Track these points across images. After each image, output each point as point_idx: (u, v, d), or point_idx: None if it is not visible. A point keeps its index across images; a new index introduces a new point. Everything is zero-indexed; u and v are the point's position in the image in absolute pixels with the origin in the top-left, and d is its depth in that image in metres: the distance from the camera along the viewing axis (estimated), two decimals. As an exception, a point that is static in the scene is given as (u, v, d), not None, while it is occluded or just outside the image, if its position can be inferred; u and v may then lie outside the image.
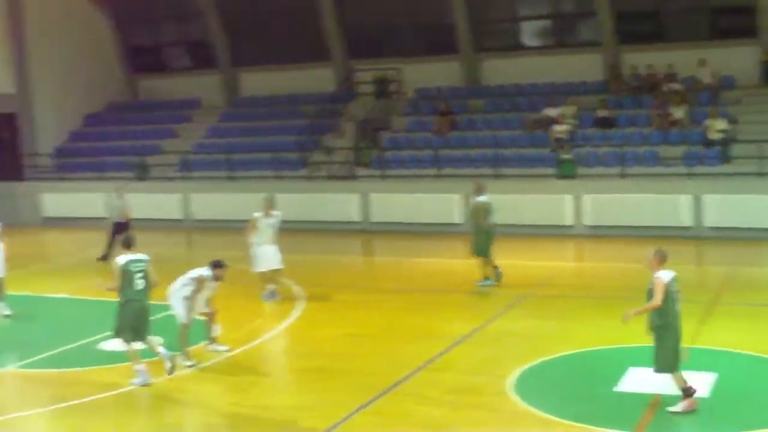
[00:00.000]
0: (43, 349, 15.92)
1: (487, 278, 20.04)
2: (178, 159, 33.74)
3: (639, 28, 32.72)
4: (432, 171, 29.45)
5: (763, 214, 24.89)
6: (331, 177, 31.36)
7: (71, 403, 13.10)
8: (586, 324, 16.45)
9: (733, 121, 27.76)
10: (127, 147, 35.60)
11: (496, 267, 20.11)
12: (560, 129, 29.08)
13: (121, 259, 13.98)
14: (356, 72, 35.59)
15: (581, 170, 27.74)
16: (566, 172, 27.67)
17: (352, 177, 31.07)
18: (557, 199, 26.98)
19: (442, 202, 27.98)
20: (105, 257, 23.64)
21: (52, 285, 21.81)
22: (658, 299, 11.67)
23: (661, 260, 11.99)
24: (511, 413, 12.14)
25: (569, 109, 30.04)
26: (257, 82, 37.38)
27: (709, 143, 27.21)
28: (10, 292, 19.56)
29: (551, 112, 29.93)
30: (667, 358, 11.82)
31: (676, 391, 11.87)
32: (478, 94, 33.30)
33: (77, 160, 35.77)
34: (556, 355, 14.55)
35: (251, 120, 35.65)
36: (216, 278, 14.87)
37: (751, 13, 30.04)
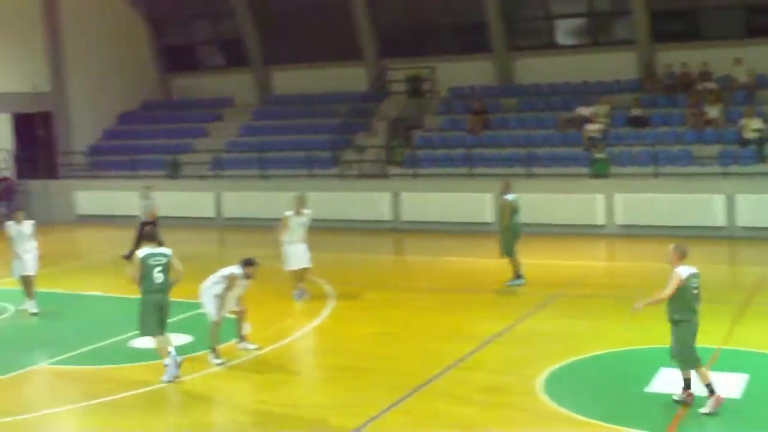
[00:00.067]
0: (75, 346, 16.02)
1: (518, 277, 19.96)
2: (210, 157, 33.84)
3: (674, 27, 32.49)
4: (464, 170, 29.36)
5: (798, 214, 24.66)
6: (362, 176, 31.35)
7: (102, 400, 13.18)
8: (617, 324, 16.33)
9: (768, 120, 27.54)
10: (160, 145, 35.80)
11: (517, 267, 20.14)
12: (593, 128, 28.92)
13: (141, 252, 14.15)
14: (389, 71, 35.56)
15: (614, 169, 27.56)
16: (599, 171, 27.51)
17: (384, 176, 31.05)
18: (589, 198, 26.82)
19: (474, 202, 27.89)
20: (129, 256, 23.72)
21: (85, 282, 21.96)
22: (668, 291, 11.69)
23: (681, 256, 11.96)
24: (540, 413, 12.08)
25: (602, 108, 29.87)
26: (290, 80, 37.46)
27: (744, 142, 26.98)
28: (44, 289, 19.77)
29: (584, 111, 29.78)
30: (687, 355, 11.80)
31: (703, 390, 11.77)
32: (511, 92, 33.19)
33: (111, 158, 36.00)
34: (587, 355, 14.47)
35: (283, 118, 35.72)
36: (247, 276, 14.88)
37: (788, 12, 29.80)
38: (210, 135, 36.36)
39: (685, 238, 24.39)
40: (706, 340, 14.85)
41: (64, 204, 34.39)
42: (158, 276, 13.92)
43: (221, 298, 14.74)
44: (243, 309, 15.37)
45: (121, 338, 16.22)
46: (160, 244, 14.92)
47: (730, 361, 13.57)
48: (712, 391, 11.66)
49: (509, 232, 19.95)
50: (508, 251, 19.97)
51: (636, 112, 29.33)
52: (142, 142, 36.63)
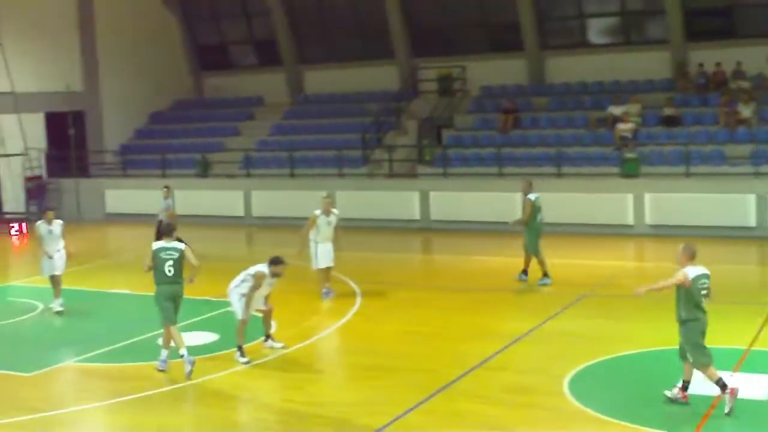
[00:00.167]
0: (102, 344, 16.09)
1: (546, 276, 19.91)
2: (240, 156, 33.93)
3: (708, 25, 32.22)
4: (494, 169, 29.25)
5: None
6: (392, 175, 31.33)
7: (129, 397, 13.23)
8: (646, 324, 16.19)
9: (802, 119, 27.28)
10: (191, 144, 35.95)
11: (528, 266, 20.21)
12: (625, 127, 28.74)
13: (155, 245, 14.51)
14: (420, 70, 35.51)
15: (645, 169, 27.37)
16: (629, 170, 27.33)
17: (413, 175, 31.01)
18: (619, 198, 26.68)
19: (504, 201, 27.75)
20: None
21: (113, 280, 22.05)
22: (670, 281, 11.84)
23: (690, 256, 11.96)
24: (566, 413, 12.00)
25: (634, 107, 29.68)
26: (321, 79, 37.52)
27: (776, 142, 26.75)
28: (73, 287, 19.91)
29: (616, 110, 29.60)
30: (698, 353, 11.78)
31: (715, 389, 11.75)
32: (542, 92, 33.07)
33: (141, 157, 36.16)
34: (615, 355, 14.37)
35: (314, 118, 35.77)
36: (274, 275, 14.88)
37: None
38: (241, 134, 36.45)
39: (716, 238, 24.38)
40: (735, 340, 14.81)
41: (94, 202, 34.61)
42: (169, 269, 14.24)
43: (248, 296, 14.75)
44: (270, 308, 15.37)
45: (148, 336, 16.24)
46: (178, 239, 14.97)
47: (759, 362, 13.41)
48: (724, 386, 11.64)
49: (533, 232, 19.96)
50: (534, 251, 19.93)
51: (668, 111, 29.12)
52: (173, 141, 36.79)
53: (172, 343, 14.28)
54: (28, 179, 34.69)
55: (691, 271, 11.78)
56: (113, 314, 18.95)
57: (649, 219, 26.35)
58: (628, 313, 17.20)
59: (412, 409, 12.27)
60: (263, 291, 14.98)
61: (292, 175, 32.23)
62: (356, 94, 35.96)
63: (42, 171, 35.39)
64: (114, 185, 34.85)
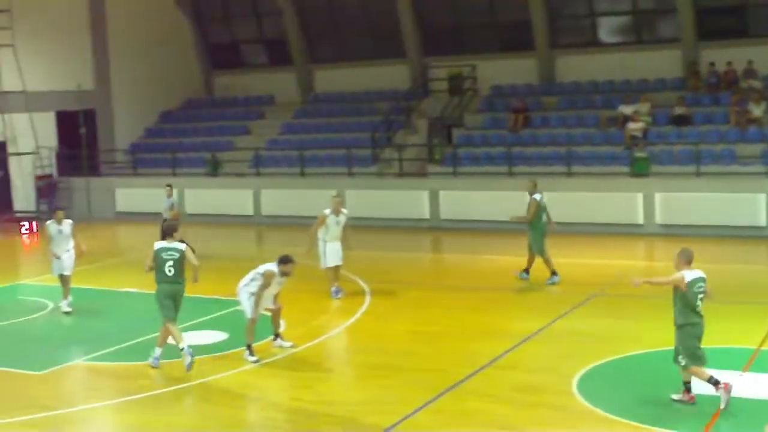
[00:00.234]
0: (112, 343, 16.13)
1: (554, 274, 19.90)
2: (251, 155, 33.96)
3: (719, 24, 32.12)
4: (504, 169, 29.21)
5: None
6: (402, 174, 31.32)
7: (138, 396, 13.26)
8: (655, 324, 16.10)
9: (813, 118, 27.18)
10: (202, 143, 36.00)
11: (530, 265, 20.24)
12: (635, 126, 28.67)
13: (157, 245, 14.62)
14: (431, 69, 35.50)
15: (655, 168, 27.31)
16: (640, 170, 27.27)
17: (423, 174, 31.00)
18: (629, 197, 26.63)
19: (514, 200, 27.68)
20: None
21: (122, 279, 22.07)
22: (667, 279, 12.07)
23: (687, 261, 12.07)
24: (576, 413, 11.99)
25: (644, 107, 29.62)
26: (332, 79, 37.51)
27: (788, 141, 26.66)
28: (83, 285, 19.94)
29: (626, 109, 29.54)
30: (690, 357, 11.88)
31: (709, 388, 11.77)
32: (552, 91, 33.02)
33: (152, 156, 36.22)
34: (624, 355, 14.35)
35: (324, 117, 35.80)
36: (284, 274, 14.88)
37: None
38: (251, 133, 36.47)
39: (726, 237, 24.33)
40: (744, 340, 14.78)
41: (104, 201, 34.68)
42: (170, 269, 14.38)
43: (257, 295, 14.77)
44: (279, 306, 15.38)
45: (156, 335, 16.16)
46: (180, 240, 15.02)
47: (770, 362, 13.41)
48: (717, 383, 11.71)
49: (537, 231, 19.99)
50: (539, 250, 19.95)
51: (679, 110, 29.04)
52: (184, 140, 36.86)
53: (171, 340, 14.31)
54: (39, 178, 34.78)
55: (688, 275, 11.87)
56: (122, 313, 18.98)
57: (659, 218, 26.30)
58: (637, 313, 17.17)
59: (421, 408, 12.26)
60: (272, 290, 14.99)
61: (302, 174, 32.24)
62: (366, 94, 35.97)
63: (53, 170, 35.48)
64: (124, 184, 34.91)
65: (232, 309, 17.35)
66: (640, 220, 26.47)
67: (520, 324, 16.73)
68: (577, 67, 33.11)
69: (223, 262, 23.74)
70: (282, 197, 31.59)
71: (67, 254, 18.66)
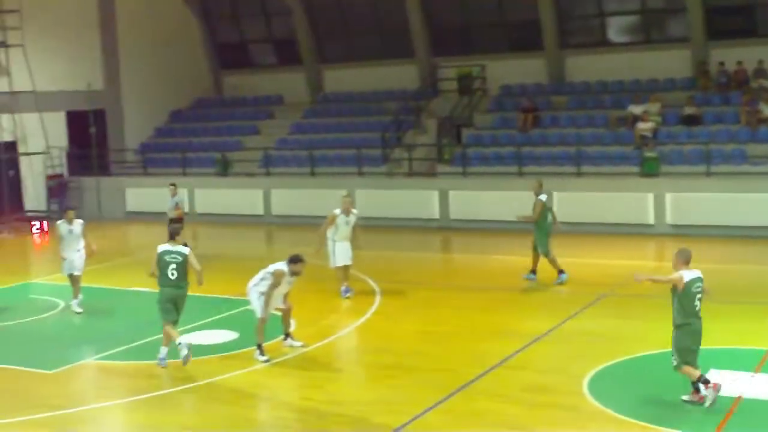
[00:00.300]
0: (122, 342, 16.17)
1: (561, 272, 19.90)
2: (260, 155, 33.98)
3: (729, 23, 32.04)
4: (513, 168, 29.18)
5: None
6: (411, 174, 31.32)
7: (148, 395, 13.30)
8: (666, 324, 15.83)
9: (824, 118, 27.08)
10: (211, 143, 36.05)
11: (536, 266, 20.23)
12: (645, 126, 28.63)
13: (160, 248, 14.68)
14: (440, 69, 35.49)
15: (665, 168, 27.26)
16: (650, 170, 27.23)
17: (433, 174, 30.99)
18: (639, 197, 26.59)
19: (523, 200, 27.64)
20: None
21: (133, 279, 22.08)
22: (668, 277, 12.06)
23: (685, 261, 12.12)
24: (586, 413, 11.98)
25: (654, 106, 29.57)
26: (340, 78, 37.51)
27: (798, 141, 26.59)
28: (94, 285, 19.98)
29: (636, 109, 29.49)
30: (683, 356, 11.96)
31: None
32: (561, 90, 32.99)
33: (162, 155, 36.27)
34: (635, 355, 14.32)
35: (334, 116, 35.81)
36: (294, 273, 14.89)
37: None
38: (261, 133, 36.50)
39: (736, 237, 24.27)
40: (756, 341, 14.76)
41: (114, 201, 34.76)
42: (172, 272, 14.47)
43: (267, 295, 14.78)
44: (289, 306, 15.39)
45: (167, 334, 16.31)
46: (182, 243, 15.03)
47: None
48: (706, 381, 11.81)
49: (542, 232, 20.02)
50: (544, 250, 19.97)
51: (689, 110, 28.98)
52: (193, 139, 36.92)
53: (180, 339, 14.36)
54: (50, 177, 34.86)
55: (687, 275, 11.93)
56: (133, 312, 18.99)
57: (669, 218, 26.25)
58: (647, 314, 17.13)
59: (431, 408, 12.27)
60: (282, 289, 15.00)
61: (312, 174, 32.25)
62: (376, 93, 35.98)
63: (63, 169, 35.55)
64: (134, 184, 34.96)
65: (242, 308, 17.37)
66: (651, 221, 26.43)
67: (530, 324, 16.72)
68: (586, 67, 33.06)
69: (232, 261, 23.78)
70: (292, 197, 31.62)
71: (77, 254, 18.70)
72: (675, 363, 12.02)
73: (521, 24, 34.81)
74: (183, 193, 29.88)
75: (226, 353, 15.19)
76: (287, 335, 15.51)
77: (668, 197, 26.26)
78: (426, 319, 17.52)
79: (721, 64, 30.43)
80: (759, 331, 15.40)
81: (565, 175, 27.81)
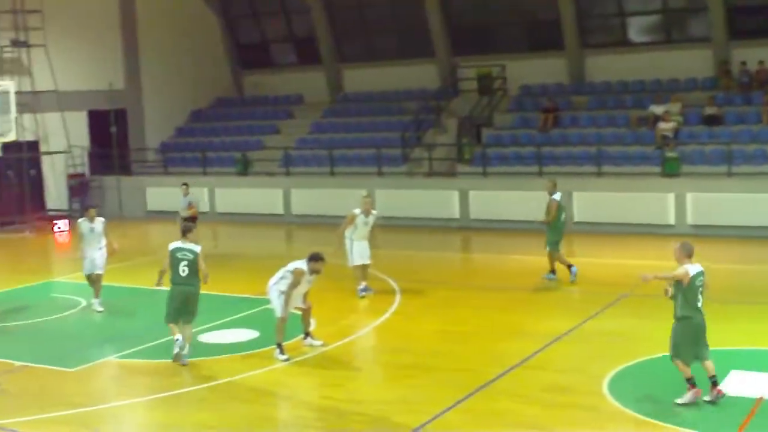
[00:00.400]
0: (143, 340, 16.24)
1: (571, 268, 19.96)
2: (280, 155, 34.05)
3: (751, 23, 31.88)
4: (534, 168, 29.13)
5: None
6: (431, 174, 31.32)
7: (168, 393, 13.36)
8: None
9: None
10: (232, 142, 36.15)
11: (553, 265, 20.29)
12: (666, 126, 28.53)
13: (171, 245, 14.83)
14: (460, 68, 35.46)
15: (686, 168, 27.16)
16: (671, 170, 27.13)
17: (453, 174, 30.97)
18: (660, 197, 26.49)
19: (544, 200, 27.59)
20: None
21: (153, 277, 22.03)
22: (674, 273, 12.18)
23: (688, 254, 12.27)
24: (606, 413, 11.97)
25: (675, 106, 29.46)
26: (361, 78, 37.53)
27: (821, 141, 26.44)
28: (114, 283, 20.07)
29: (657, 109, 29.40)
30: (680, 350, 12.05)
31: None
32: (582, 90, 32.90)
33: (182, 155, 36.39)
34: (655, 356, 14.24)
35: (354, 116, 35.83)
36: (313, 271, 14.90)
37: None
38: (281, 132, 36.57)
39: (758, 238, 24.14)
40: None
41: (135, 200, 34.91)
42: (183, 270, 14.62)
43: (287, 294, 14.80)
44: (308, 305, 15.41)
45: (188, 333, 16.36)
46: (194, 241, 15.09)
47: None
48: (694, 384, 11.90)
49: (555, 231, 20.07)
50: (553, 247, 20.15)
51: (710, 110, 28.87)
52: (214, 139, 37.03)
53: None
54: (71, 176, 35.06)
55: (692, 269, 12.06)
56: (153, 311, 18.90)
57: (690, 219, 26.15)
58: (667, 314, 16.90)
59: (450, 407, 12.27)
60: (302, 288, 15.02)
61: (331, 174, 32.29)
62: (396, 93, 35.99)
63: (84, 168, 35.74)
64: (155, 183, 35.07)
65: (262, 307, 17.41)
66: (672, 221, 26.33)
67: (549, 324, 16.69)
68: (607, 67, 32.96)
69: (253, 260, 23.84)
70: (312, 196, 31.67)
71: (99, 252, 18.79)
72: (673, 354, 12.09)
73: (541, 24, 34.78)
74: (203, 193, 30.06)
75: (246, 352, 15.24)
76: (307, 334, 15.54)
77: (689, 197, 26.16)
78: (445, 319, 17.52)
79: (743, 63, 30.29)
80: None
81: (585, 175, 27.75)
